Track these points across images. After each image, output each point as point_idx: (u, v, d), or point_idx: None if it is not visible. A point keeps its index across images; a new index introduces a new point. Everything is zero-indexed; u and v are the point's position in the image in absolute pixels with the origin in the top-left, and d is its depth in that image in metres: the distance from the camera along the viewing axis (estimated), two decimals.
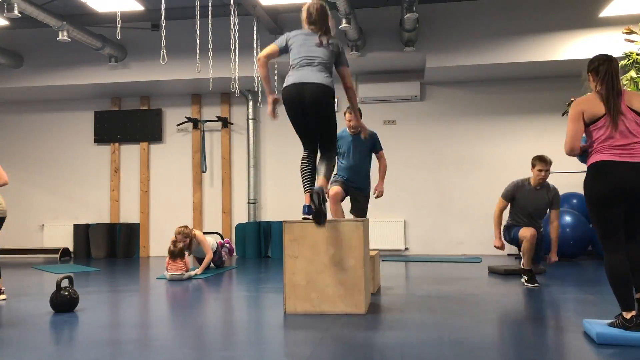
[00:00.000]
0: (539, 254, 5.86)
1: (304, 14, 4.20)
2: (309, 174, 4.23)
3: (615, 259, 3.05)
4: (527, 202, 5.59)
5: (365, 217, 5.50)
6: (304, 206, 4.15)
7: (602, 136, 3.13)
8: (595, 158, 3.15)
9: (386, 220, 8.99)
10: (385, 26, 8.18)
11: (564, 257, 7.67)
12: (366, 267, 4.16)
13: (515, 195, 5.63)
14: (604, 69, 3.19)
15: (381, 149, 5.62)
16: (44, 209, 9.97)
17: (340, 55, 4.23)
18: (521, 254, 5.59)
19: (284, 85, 4.11)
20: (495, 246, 5.69)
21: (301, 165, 4.29)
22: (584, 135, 3.29)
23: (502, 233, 5.76)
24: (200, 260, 6.83)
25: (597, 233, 3.15)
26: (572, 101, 6.89)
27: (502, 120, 8.95)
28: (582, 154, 3.30)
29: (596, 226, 3.15)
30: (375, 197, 5.52)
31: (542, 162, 5.50)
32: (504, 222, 5.83)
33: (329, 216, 4.42)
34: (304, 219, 4.11)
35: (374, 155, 5.63)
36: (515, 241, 5.69)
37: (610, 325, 3.10)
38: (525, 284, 5.30)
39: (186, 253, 6.33)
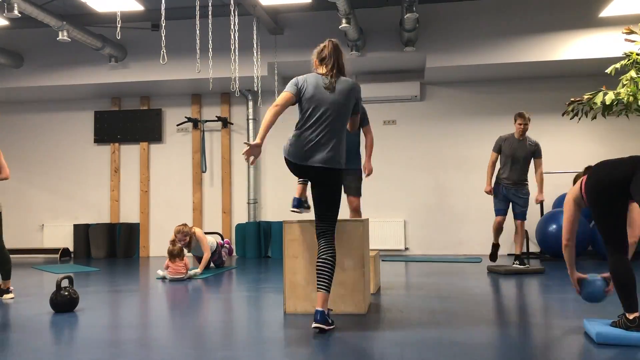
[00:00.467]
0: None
1: (315, 53, 3.79)
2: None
3: (619, 261, 3.07)
4: (512, 150, 6.41)
5: (360, 194, 5.40)
6: (294, 199, 4.01)
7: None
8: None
9: (386, 220, 8.99)
10: (385, 26, 8.19)
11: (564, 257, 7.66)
12: (366, 267, 4.16)
13: (502, 146, 6.47)
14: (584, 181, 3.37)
15: (368, 123, 5.40)
16: (44, 209, 9.97)
17: (357, 104, 3.80)
18: (515, 254, 6.47)
19: (287, 154, 3.68)
20: (485, 191, 6.55)
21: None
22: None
23: (492, 185, 6.54)
24: (199, 259, 6.83)
25: (601, 235, 3.18)
26: (572, 101, 6.96)
27: (502, 120, 8.93)
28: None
29: (600, 226, 3.17)
30: (366, 176, 5.38)
31: (521, 117, 6.41)
32: (496, 173, 6.58)
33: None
34: (292, 211, 4.02)
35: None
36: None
37: (613, 324, 3.11)
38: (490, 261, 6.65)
39: (185, 252, 6.33)
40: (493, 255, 6.68)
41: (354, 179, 5.32)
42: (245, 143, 3.54)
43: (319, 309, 3.43)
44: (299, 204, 3.99)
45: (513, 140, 6.44)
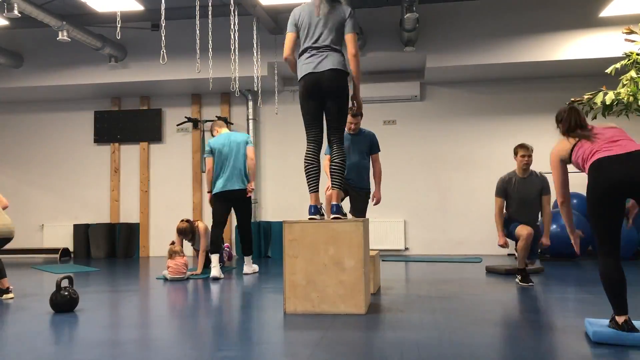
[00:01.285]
0: (535, 251, 5.90)
1: None
2: (314, 173, 4.21)
3: (610, 264, 3.05)
4: (519, 192, 5.64)
5: (364, 217, 5.53)
6: (310, 206, 4.16)
7: (587, 149, 3.21)
8: (590, 162, 3.18)
9: (386, 220, 8.99)
10: (385, 26, 8.19)
11: (564, 257, 7.67)
12: (366, 267, 4.16)
13: (506, 189, 5.69)
14: (566, 115, 3.40)
15: (378, 151, 5.67)
16: (44, 209, 9.97)
17: (347, 22, 4.18)
18: (515, 251, 5.66)
19: (299, 75, 4.17)
20: (499, 245, 5.69)
21: (305, 163, 4.26)
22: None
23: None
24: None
25: (594, 235, 3.15)
26: (572, 101, 6.95)
27: (502, 120, 8.95)
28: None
29: (593, 228, 3.14)
30: (374, 205, 5.66)
31: (523, 148, 5.63)
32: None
33: (326, 217, 4.45)
34: (310, 219, 4.12)
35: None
36: (512, 237, 5.71)
37: (609, 325, 3.11)
38: (520, 283, 5.35)
39: (182, 254, 6.31)
40: (526, 278, 5.37)
41: (362, 199, 5.58)
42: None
43: (334, 203, 4.17)
44: (316, 210, 4.17)
45: (517, 179, 5.68)
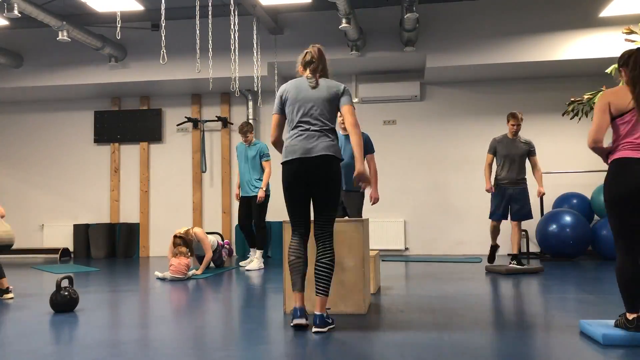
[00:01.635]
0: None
1: (299, 60, 3.74)
2: (300, 268, 3.57)
3: (627, 261, 3.04)
4: (508, 149, 6.48)
5: (360, 216, 5.51)
6: (295, 309, 3.51)
7: (625, 131, 3.05)
8: (616, 155, 3.07)
9: (386, 220, 8.99)
10: (385, 26, 8.19)
11: (564, 257, 7.67)
12: (366, 267, 4.16)
13: (496, 147, 6.55)
14: (633, 60, 3.10)
15: (373, 151, 5.58)
16: (44, 209, 9.97)
17: (343, 97, 3.67)
18: (512, 254, 6.50)
19: (284, 157, 3.61)
20: (486, 190, 6.54)
21: (290, 256, 3.62)
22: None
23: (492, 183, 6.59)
24: (200, 259, 6.83)
25: (613, 233, 3.10)
26: (572, 101, 6.96)
27: (502, 120, 8.90)
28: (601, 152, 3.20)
29: (611, 224, 3.10)
30: (372, 204, 5.62)
31: (514, 117, 6.48)
32: (493, 175, 6.65)
33: None
34: (295, 325, 3.49)
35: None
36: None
37: (615, 324, 3.11)
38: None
39: (187, 255, 6.31)
40: (491, 257, 6.77)
41: (356, 200, 5.50)
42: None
43: (318, 313, 3.46)
44: (302, 314, 3.51)
45: (507, 140, 6.53)
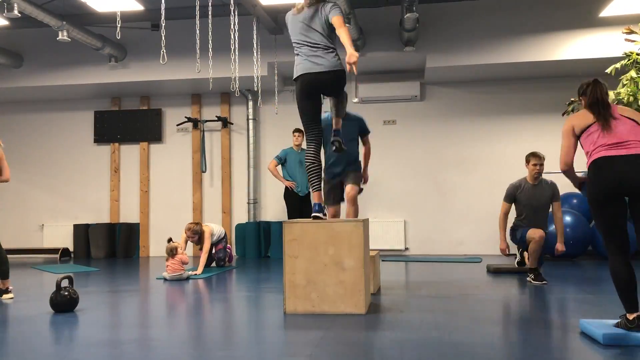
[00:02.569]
0: (541, 257, 5.87)
1: None
2: (317, 172, 4.30)
3: (619, 261, 3.07)
4: (529, 199, 5.68)
5: (359, 185, 5.27)
6: (314, 204, 4.22)
7: (595, 140, 3.20)
8: (592, 157, 3.19)
9: (386, 220, 8.99)
10: (385, 26, 8.18)
11: (564, 257, 7.67)
12: (366, 267, 4.16)
13: (516, 195, 5.74)
14: (590, 89, 3.40)
15: (369, 132, 5.45)
16: (43, 209, 9.97)
17: (331, 11, 4.21)
18: (527, 254, 5.75)
19: (296, 74, 4.25)
20: (500, 248, 5.76)
21: (307, 162, 4.34)
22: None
23: (508, 235, 5.84)
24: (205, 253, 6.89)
25: (601, 235, 3.16)
26: (572, 101, 6.95)
27: (502, 120, 8.95)
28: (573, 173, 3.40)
29: (599, 227, 3.15)
30: (362, 184, 5.39)
31: (535, 157, 5.68)
32: (510, 224, 5.88)
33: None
34: (314, 217, 4.16)
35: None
36: (523, 242, 5.74)
37: (616, 326, 3.11)
38: (533, 281, 5.42)
39: (181, 250, 6.31)
40: (539, 276, 5.48)
41: (353, 170, 5.27)
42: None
43: (317, 202, 4.27)
44: (320, 208, 4.23)
45: (528, 186, 5.72)
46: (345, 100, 4.65)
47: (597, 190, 3.12)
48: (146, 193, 9.70)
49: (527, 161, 5.73)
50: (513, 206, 5.86)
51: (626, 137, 3.14)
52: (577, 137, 3.32)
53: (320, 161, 4.36)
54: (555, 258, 7.73)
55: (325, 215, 4.34)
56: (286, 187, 8.04)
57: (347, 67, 4.07)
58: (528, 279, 5.52)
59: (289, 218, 7.78)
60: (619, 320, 3.11)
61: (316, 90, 4.28)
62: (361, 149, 5.44)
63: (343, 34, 4.09)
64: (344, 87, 4.46)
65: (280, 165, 8.11)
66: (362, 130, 5.42)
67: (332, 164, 5.22)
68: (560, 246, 5.63)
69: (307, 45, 4.25)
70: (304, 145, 7.34)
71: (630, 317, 3.03)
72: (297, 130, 8.05)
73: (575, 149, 3.35)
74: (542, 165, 5.65)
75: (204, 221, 9.39)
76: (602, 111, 3.25)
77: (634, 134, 3.16)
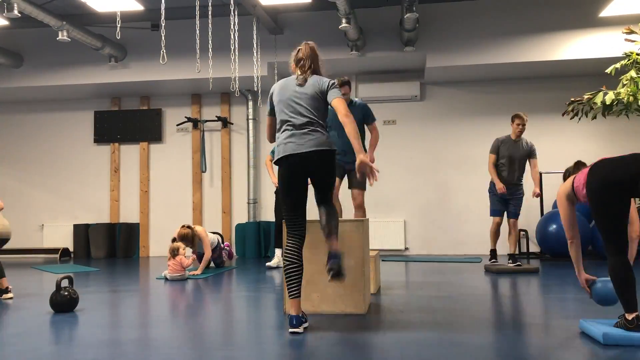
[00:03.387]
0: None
1: (292, 56, 3.72)
2: (297, 275, 3.47)
3: (618, 261, 3.07)
4: (510, 151, 6.52)
5: (365, 188, 5.31)
6: (291, 317, 3.41)
7: (582, 172, 3.32)
8: (586, 175, 3.27)
9: (386, 220, 8.99)
10: (385, 26, 8.19)
11: (564, 257, 7.66)
12: (366, 267, 4.16)
13: (499, 147, 6.57)
14: (573, 169, 3.60)
15: (374, 120, 5.40)
16: (43, 209, 9.97)
17: (330, 90, 3.57)
18: (509, 254, 6.68)
19: (277, 156, 3.54)
20: (498, 189, 6.46)
21: (286, 262, 3.50)
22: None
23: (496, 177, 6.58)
24: (201, 257, 6.85)
25: (601, 234, 3.17)
26: (572, 101, 6.96)
27: (502, 120, 8.93)
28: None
29: (600, 227, 3.15)
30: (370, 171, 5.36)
31: (519, 117, 6.50)
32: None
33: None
34: (292, 332, 3.37)
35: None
36: (492, 191, 6.68)
37: (615, 326, 3.11)
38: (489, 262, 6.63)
39: (183, 251, 6.32)
40: (494, 259, 6.80)
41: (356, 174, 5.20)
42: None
43: (294, 314, 3.43)
44: (298, 322, 3.42)
45: (509, 141, 6.57)
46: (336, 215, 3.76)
47: (596, 187, 3.13)
48: (146, 193, 9.70)
49: (512, 120, 6.55)
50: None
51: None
52: (573, 200, 3.37)
53: (302, 262, 3.52)
54: (556, 258, 7.73)
55: (304, 329, 3.45)
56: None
57: (358, 174, 3.52)
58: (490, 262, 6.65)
59: (275, 215, 7.44)
60: (618, 320, 3.11)
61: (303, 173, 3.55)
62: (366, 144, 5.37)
63: (349, 126, 3.46)
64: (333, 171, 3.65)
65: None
66: (366, 116, 5.31)
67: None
68: (537, 189, 6.59)
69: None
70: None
71: (629, 316, 3.03)
72: None
73: (575, 217, 3.40)
74: (524, 125, 6.49)
75: (204, 222, 9.40)
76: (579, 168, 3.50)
77: None
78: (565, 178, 3.61)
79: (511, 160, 6.52)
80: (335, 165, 3.61)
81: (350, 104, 5.18)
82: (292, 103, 3.56)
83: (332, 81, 3.63)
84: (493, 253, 6.79)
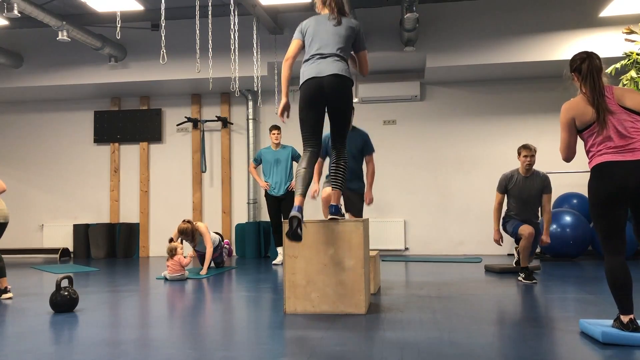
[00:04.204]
0: (534, 249, 5.93)
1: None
2: (306, 176, 3.98)
3: (616, 262, 3.03)
4: (520, 190, 5.76)
5: (361, 216, 5.45)
6: (295, 206, 3.89)
7: (598, 139, 3.10)
8: (596, 160, 3.11)
9: (386, 220, 8.99)
10: (385, 26, 8.18)
11: (564, 257, 7.67)
12: (366, 267, 4.16)
13: (507, 186, 5.83)
14: (585, 66, 3.19)
15: (372, 151, 5.40)
16: (43, 209, 9.97)
17: (358, 38, 4.15)
18: (518, 250, 5.82)
19: (302, 80, 4.03)
20: (494, 239, 5.84)
21: (300, 164, 4.04)
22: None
23: (501, 226, 5.92)
24: (201, 255, 6.87)
25: (598, 234, 3.13)
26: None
27: (502, 120, 8.95)
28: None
29: (598, 227, 3.13)
30: (367, 205, 5.44)
31: (526, 149, 5.73)
32: (502, 214, 5.99)
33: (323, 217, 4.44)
34: (292, 217, 3.83)
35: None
36: (514, 235, 5.86)
37: (613, 326, 3.10)
38: (523, 280, 5.51)
39: (181, 251, 6.32)
40: (530, 276, 5.54)
41: (357, 199, 5.38)
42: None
43: (334, 203, 4.16)
44: (337, 210, 4.15)
45: (519, 178, 5.78)
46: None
47: (601, 193, 3.06)
48: (146, 193, 9.70)
49: (519, 153, 5.80)
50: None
51: (628, 139, 3.03)
52: (579, 130, 3.17)
53: (313, 170, 4.05)
54: (556, 258, 7.73)
55: (342, 214, 4.21)
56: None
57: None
58: (519, 278, 5.61)
59: (270, 217, 7.78)
60: (613, 323, 3.09)
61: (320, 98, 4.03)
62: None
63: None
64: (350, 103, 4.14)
65: (260, 166, 7.97)
66: (366, 146, 5.34)
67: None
68: (545, 238, 5.70)
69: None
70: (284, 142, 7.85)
71: (625, 319, 3.01)
72: (274, 127, 7.85)
73: (576, 143, 3.21)
74: (532, 157, 5.69)
75: (204, 221, 9.39)
76: (600, 105, 3.07)
77: (636, 130, 3.05)
78: (572, 70, 3.32)
79: (523, 200, 5.75)
80: (352, 98, 4.09)
81: (353, 130, 5.27)
82: (325, 37, 4.01)
83: (360, 27, 4.19)
84: (527, 271, 5.56)
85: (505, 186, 5.84)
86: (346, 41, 4.06)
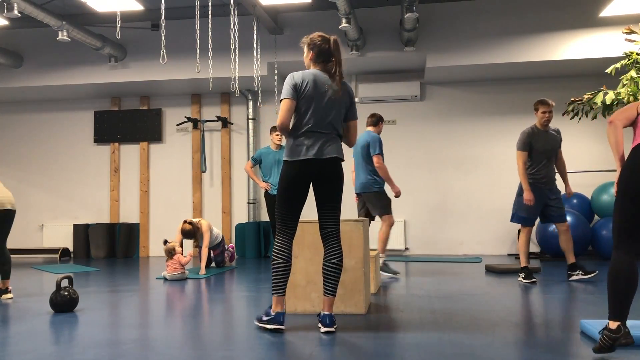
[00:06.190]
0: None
1: (309, 43, 3.56)
2: (287, 272, 3.48)
3: (625, 261, 2.79)
4: (544, 144, 5.54)
5: (385, 212, 5.98)
6: (277, 314, 3.45)
7: None
8: (637, 141, 2.89)
9: None
10: (385, 26, 8.18)
11: (564, 257, 7.65)
12: (366, 267, 4.16)
13: (531, 142, 5.54)
14: None
15: (375, 153, 5.93)
16: (43, 209, 9.97)
17: (352, 105, 3.64)
18: (517, 248, 6.04)
19: (293, 156, 3.47)
20: (526, 200, 5.44)
21: (275, 259, 3.48)
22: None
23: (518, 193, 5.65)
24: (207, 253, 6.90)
25: (615, 227, 2.87)
26: (572, 101, 6.95)
27: (502, 120, 8.95)
28: None
29: (618, 217, 2.87)
30: (395, 197, 6.18)
31: (544, 104, 5.55)
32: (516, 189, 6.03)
33: None
34: (275, 329, 3.44)
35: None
36: (517, 211, 5.67)
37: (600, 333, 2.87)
38: (523, 280, 5.54)
39: (179, 250, 6.34)
40: (530, 276, 5.53)
41: (375, 198, 6.01)
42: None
43: (327, 313, 3.47)
44: (281, 319, 3.48)
45: (540, 133, 5.58)
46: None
47: (630, 184, 2.81)
48: (146, 193, 9.70)
49: (536, 109, 5.60)
50: None
51: None
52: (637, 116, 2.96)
53: (291, 258, 3.50)
54: (556, 258, 7.73)
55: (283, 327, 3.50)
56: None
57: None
58: (519, 278, 5.64)
59: (269, 217, 7.38)
60: (601, 330, 2.83)
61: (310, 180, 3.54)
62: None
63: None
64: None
65: (257, 166, 7.69)
66: (370, 151, 5.95)
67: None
68: (569, 190, 5.73)
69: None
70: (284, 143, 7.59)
71: (613, 325, 2.76)
72: (275, 128, 7.69)
73: (632, 119, 2.98)
74: (551, 112, 5.53)
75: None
76: None
77: None
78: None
79: (546, 154, 5.55)
80: (343, 178, 3.60)
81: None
82: (326, 110, 3.49)
83: (353, 93, 3.67)
84: (527, 271, 5.55)
85: (530, 142, 5.52)
86: (344, 113, 3.60)
